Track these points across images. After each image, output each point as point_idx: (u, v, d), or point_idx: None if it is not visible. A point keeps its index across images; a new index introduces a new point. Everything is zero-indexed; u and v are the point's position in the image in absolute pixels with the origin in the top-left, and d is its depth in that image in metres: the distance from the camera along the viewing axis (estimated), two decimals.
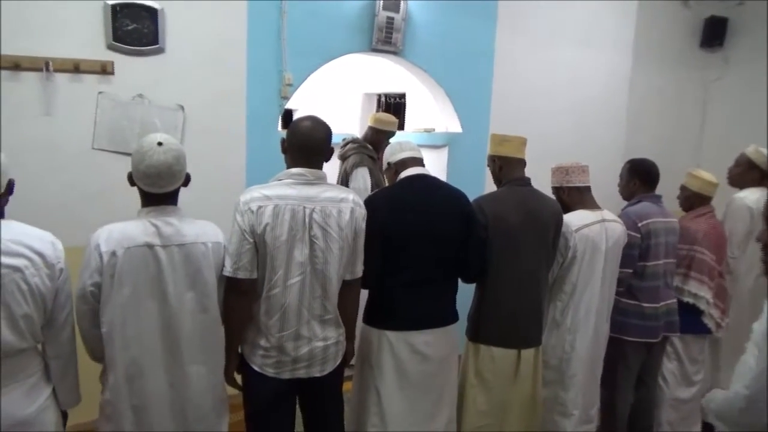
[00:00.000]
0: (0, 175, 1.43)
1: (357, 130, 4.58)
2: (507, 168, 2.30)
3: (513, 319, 2.23)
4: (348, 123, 4.93)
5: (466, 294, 2.31)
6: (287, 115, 3.78)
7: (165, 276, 1.61)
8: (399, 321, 2.06)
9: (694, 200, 2.78)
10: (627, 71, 4.38)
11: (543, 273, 2.30)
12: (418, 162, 2.17)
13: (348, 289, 1.92)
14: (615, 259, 2.43)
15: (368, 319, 2.11)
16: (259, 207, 1.72)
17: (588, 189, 2.45)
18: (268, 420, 1.88)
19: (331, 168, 2.14)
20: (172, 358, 1.65)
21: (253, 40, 2.90)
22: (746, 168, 3.08)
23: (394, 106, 4.81)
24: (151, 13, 2.61)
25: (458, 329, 2.22)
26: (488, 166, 2.39)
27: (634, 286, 2.56)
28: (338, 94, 5.05)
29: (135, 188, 1.67)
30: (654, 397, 2.80)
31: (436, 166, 3.76)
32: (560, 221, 2.31)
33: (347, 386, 2.09)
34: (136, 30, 2.59)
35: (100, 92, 2.57)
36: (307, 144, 1.82)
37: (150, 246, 1.59)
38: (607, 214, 2.42)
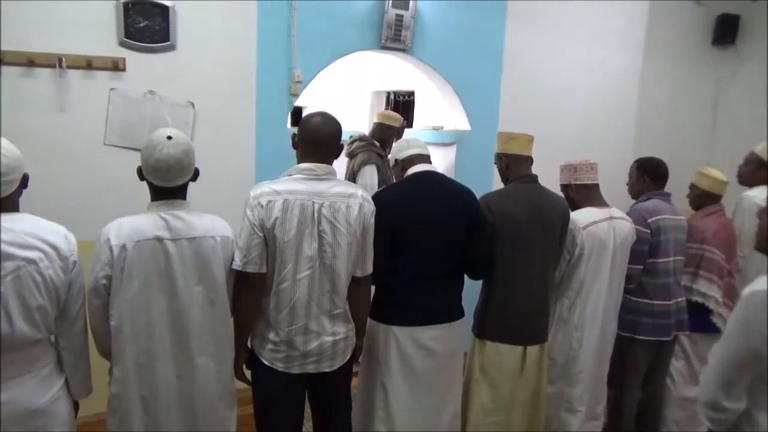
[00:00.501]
0: (15, 169, 1.46)
1: (366, 128, 4.58)
2: (514, 165, 2.30)
3: (519, 316, 2.23)
4: (357, 120, 4.94)
5: (472, 291, 2.32)
6: (297, 112, 3.80)
7: (174, 269, 1.63)
8: (405, 316, 2.08)
9: (703, 199, 2.77)
10: (638, 69, 4.35)
11: (549, 270, 2.30)
12: (426, 159, 2.18)
13: (358, 285, 1.93)
14: (623, 257, 2.42)
15: (375, 315, 2.12)
16: (269, 201, 1.74)
17: (596, 187, 2.44)
18: (277, 414, 1.89)
19: (339, 166, 2.15)
20: (181, 351, 1.67)
21: (263, 37, 2.92)
22: (756, 166, 3.06)
23: (403, 103, 4.81)
24: (163, 11, 2.65)
25: (464, 326, 2.23)
26: (495, 164, 2.39)
27: (645, 284, 2.55)
28: (348, 92, 5.06)
29: (145, 183, 1.69)
30: (662, 396, 2.79)
31: (444, 163, 3.76)
32: (567, 218, 2.31)
33: (354, 382, 2.10)
34: (147, 27, 2.62)
35: (112, 89, 2.61)
36: (316, 139, 1.84)
37: (160, 239, 1.61)
38: (615, 211, 2.42)
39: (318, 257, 1.79)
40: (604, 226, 2.34)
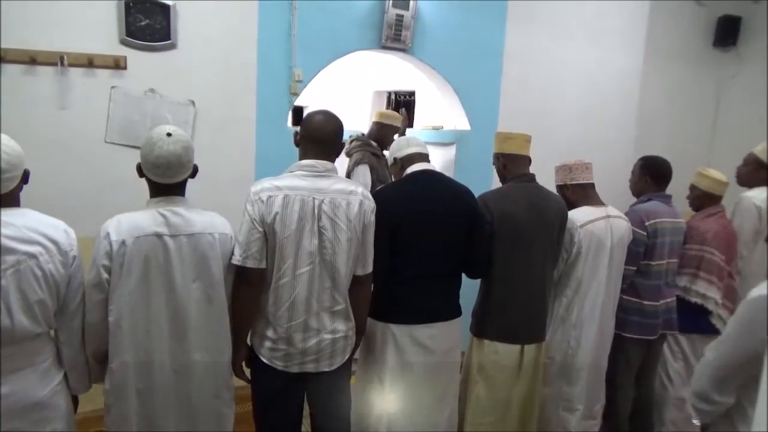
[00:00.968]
0: (16, 166, 1.47)
1: (367, 128, 4.59)
2: (511, 165, 2.31)
3: (517, 315, 2.24)
4: (358, 120, 4.95)
5: (469, 289, 2.32)
6: (297, 111, 3.81)
7: (172, 265, 1.64)
8: (403, 314, 2.08)
9: (704, 200, 2.77)
10: (638, 70, 4.34)
11: (548, 268, 2.31)
12: (424, 158, 2.18)
13: (359, 284, 1.94)
14: (620, 255, 2.43)
15: (373, 313, 2.12)
16: (269, 197, 1.75)
17: (592, 186, 2.45)
18: (276, 413, 1.90)
19: (340, 165, 2.16)
20: (178, 346, 1.68)
21: (264, 36, 2.93)
22: (755, 167, 3.06)
23: (404, 103, 4.82)
24: (164, 9, 2.66)
25: (461, 325, 2.23)
26: (493, 164, 2.40)
27: (637, 284, 2.57)
28: (349, 92, 5.07)
29: (144, 180, 1.70)
30: (653, 396, 2.79)
31: (444, 163, 3.77)
32: (565, 217, 2.32)
33: (351, 380, 2.11)
34: (148, 26, 2.64)
35: (113, 87, 2.62)
36: (318, 136, 1.85)
37: (159, 235, 1.63)
38: (611, 210, 2.43)
39: (318, 253, 1.80)
40: (601, 225, 2.35)
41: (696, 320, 2.68)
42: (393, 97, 4.97)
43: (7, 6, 2.36)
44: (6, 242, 1.40)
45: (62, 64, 2.48)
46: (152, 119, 2.68)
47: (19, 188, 1.51)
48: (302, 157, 1.87)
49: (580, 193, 2.43)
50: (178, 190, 1.70)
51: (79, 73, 2.54)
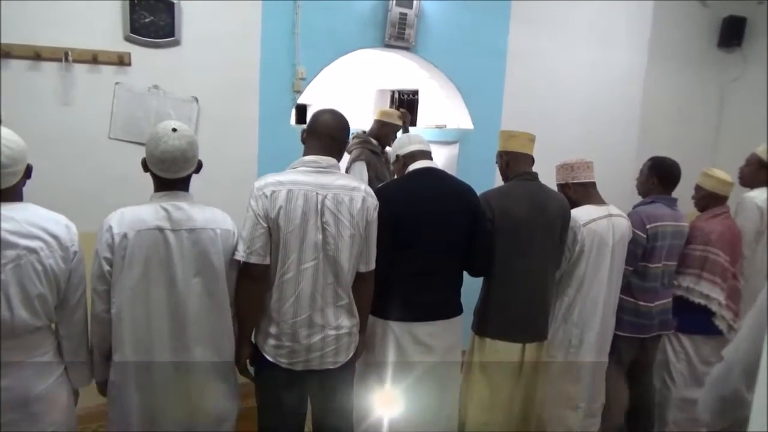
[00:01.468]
0: (19, 161, 1.47)
1: (370, 126, 4.60)
2: (514, 163, 2.31)
3: (519, 313, 2.24)
4: (361, 118, 4.95)
5: (471, 287, 2.32)
6: (301, 110, 3.81)
7: (173, 259, 1.64)
8: (404, 312, 2.08)
9: (709, 200, 2.76)
10: (642, 71, 4.33)
11: (549, 267, 2.31)
12: (427, 155, 2.19)
13: (362, 281, 1.93)
14: (621, 254, 2.43)
15: (373, 310, 2.12)
16: (273, 192, 1.75)
17: (593, 185, 2.45)
18: (280, 411, 1.90)
19: (341, 163, 2.17)
20: (178, 340, 1.68)
21: (267, 33, 2.94)
22: (757, 167, 3.04)
23: (407, 102, 4.82)
24: (168, 7, 2.67)
25: (462, 323, 2.23)
26: (496, 162, 2.40)
27: (634, 285, 2.57)
28: (352, 90, 5.08)
29: (148, 175, 1.70)
30: (652, 396, 2.79)
31: (447, 162, 3.77)
32: (567, 216, 2.31)
33: None
34: (152, 22, 2.65)
35: (117, 83, 2.63)
36: (324, 133, 1.86)
37: (160, 229, 1.63)
38: (613, 209, 2.43)
39: (322, 249, 1.80)
40: (603, 223, 2.34)
41: (699, 321, 2.68)
42: (396, 95, 4.97)
43: (12, 2, 2.36)
44: (6, 237, 1.41)
45: (67, 60, 2.49)
46: (156, 116, 2.68)
47: (22, 183, 1.52)
48: (307, 153, 1.88)
49: (582, 191, 2.43)
50: (182, 185, 1.70)
51: (84, 69, 2.55)
